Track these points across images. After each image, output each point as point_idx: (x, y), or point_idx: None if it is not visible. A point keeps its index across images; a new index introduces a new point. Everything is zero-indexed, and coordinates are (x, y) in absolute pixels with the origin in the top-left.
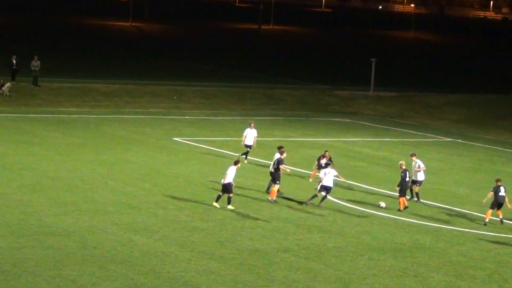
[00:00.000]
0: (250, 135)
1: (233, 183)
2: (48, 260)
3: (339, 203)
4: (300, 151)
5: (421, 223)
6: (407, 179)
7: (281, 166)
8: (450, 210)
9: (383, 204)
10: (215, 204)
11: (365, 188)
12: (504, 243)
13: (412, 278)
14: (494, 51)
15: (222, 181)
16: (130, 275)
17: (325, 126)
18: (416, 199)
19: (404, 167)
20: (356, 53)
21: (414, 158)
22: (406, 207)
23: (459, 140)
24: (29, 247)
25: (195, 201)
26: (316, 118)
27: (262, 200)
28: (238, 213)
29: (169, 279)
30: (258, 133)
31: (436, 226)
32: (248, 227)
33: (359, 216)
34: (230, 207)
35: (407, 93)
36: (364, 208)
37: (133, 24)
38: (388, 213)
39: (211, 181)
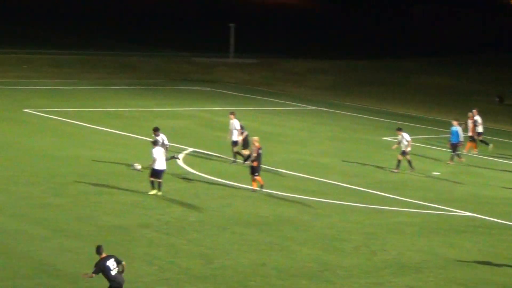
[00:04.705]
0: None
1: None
2: None
3: (201, 175)
4: (158, 122)
5: (286, 195)
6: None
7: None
8: (315, 180)
9: (138, 166)
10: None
11: (228, 159)
12: (371, 214)
13: (278, 252)
14: (359, 16)
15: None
16: None
17: (184, 95)
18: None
19: (258, 144)
20: (214, 18)
21: (399, 132)
22: (261, 186)
23: (323, 108)
24: None
25: (49, 176)
26: (174, 87)
27: (120, 175)
28: (96, 188)
29: (23, 258)
30: (114, 102)
31: (301, 198)
32: (106, 202)
33: (221, 188)
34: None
35: (268, 59)
36: (226, 180)
37: None
38: (251, 185)
39: (65, 154)
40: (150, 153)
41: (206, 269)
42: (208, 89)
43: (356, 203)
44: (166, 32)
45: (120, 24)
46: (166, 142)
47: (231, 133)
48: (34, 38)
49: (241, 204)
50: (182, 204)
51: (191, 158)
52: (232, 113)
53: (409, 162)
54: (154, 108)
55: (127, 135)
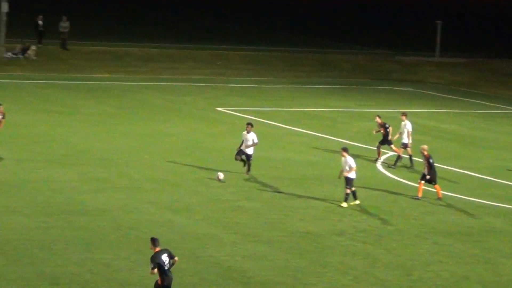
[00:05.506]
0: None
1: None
2: (79, 242)
3: (400, 181)
4: (356, 124)
5: (492, 204)
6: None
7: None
8: None
9: (221, 176)
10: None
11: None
12: None
13: (482, 265)
14: None
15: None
16: None
17: (386, 95)
18: None
19: (426, 153)
20: (420, 14)
21: None
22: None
23: None
24: (57, 227)
25: (241, 178)
26: (376, 87)
27: (314, 178)
28: (288, 193)
29: (211, 263)
30: (312, 102)
31: (508, 208)
32: (299, 207)
33: (423, 195)
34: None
35: (477, 59)
36: (427, 187)
37: None
38: (454, 193)
39: (257, 155)
40: (345, 162)
41: (404, 281)
42: (411, 89)
43: None
44: (372, 29)
45: (320, 20)
46: (256, 140)
47: (403, 135)
48: (229, 34)
49: (444, 212)
50: (379, 211)
51: (391, 163)
52: (404, 114)
53: None
54: (353, 109)
55: (323, 137)
